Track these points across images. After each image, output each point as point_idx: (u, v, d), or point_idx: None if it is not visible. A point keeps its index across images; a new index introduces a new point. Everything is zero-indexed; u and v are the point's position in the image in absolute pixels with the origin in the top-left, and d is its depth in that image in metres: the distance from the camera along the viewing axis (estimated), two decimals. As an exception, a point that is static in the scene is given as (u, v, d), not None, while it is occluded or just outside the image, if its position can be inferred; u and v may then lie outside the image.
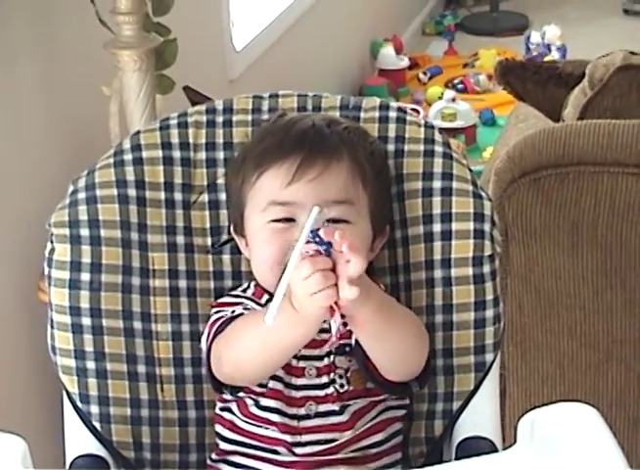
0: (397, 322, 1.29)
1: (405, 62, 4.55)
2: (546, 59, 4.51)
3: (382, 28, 4.67)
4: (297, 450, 1.35)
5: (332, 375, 1.36)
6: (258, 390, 1.36)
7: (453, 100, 4.07)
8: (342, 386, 1.35)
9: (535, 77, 2.20)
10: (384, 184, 1.42)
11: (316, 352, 1.36)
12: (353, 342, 1.33)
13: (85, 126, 2.32)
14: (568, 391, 1.89)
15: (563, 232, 1.76)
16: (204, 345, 1.39)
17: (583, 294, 1.81)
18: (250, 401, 1.37)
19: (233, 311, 1.37)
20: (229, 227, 1.47)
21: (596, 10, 5.51)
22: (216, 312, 1.39)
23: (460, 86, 4.48)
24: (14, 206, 2.13)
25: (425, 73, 4.64)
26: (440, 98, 4.18)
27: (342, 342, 1.33)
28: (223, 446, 1.40)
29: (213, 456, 1.42)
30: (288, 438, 1.35)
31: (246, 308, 1.38)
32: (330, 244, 1.19)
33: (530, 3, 5.59)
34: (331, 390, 1.35)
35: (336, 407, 1.35)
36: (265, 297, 1.40)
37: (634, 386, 1.88)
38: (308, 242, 1.19)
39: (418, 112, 3.85)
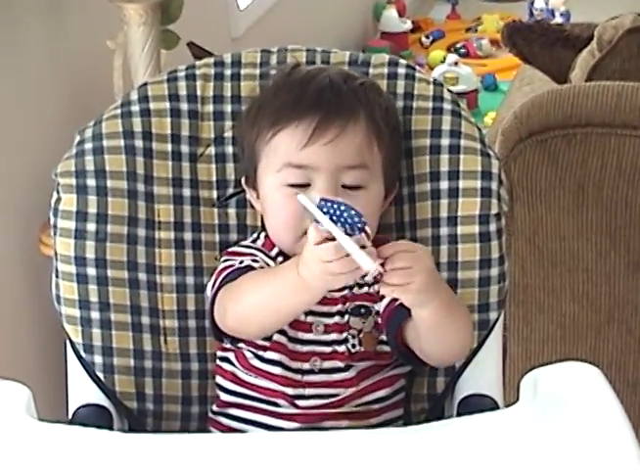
0: (455, 320, 1.29)
1: (408, 25, 4.53)
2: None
3: (385, -10, 4.65)
4: (300, 403, 1.35)
5: (344, 334, 1.36)
6: (261, 343, 1.36)
7: (456, 64, 4.05)
8: (353, 346, 1.36)
9: (542, 39, 2.19)
10: (397, 141, 1.42)
11: (325, 308, 1.36)
12: (370, 304, 1.35)
13: (89, 79, 2.31)
14: (568, 352, 1.89)
15: (568, 193, 1.76)
16: (209, 291, 1.38)
17: (587, 255, 1.81)
18: (249, 354, 1.37)
19: (241, 262, 1.36)
20: (236, 180, 1.47)
21: (601, -25, 5.47)
22: (225, 261, 1.39)
23: (462, 51, 4.46)
24: (15, 158, 2.12)
25: (427, 37, 4.62)
26: (443, 62, 4.17)
27: (357, 303, 1.34)
28: (224, 397, 1.41)
29: (214, 408, 1.42)
30: (289, 390, 1.35)
31: (255, 260, 1.37)
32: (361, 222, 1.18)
33: (535, -32, 5.54)
34: (343, 348, 1.36)
35: (341, 365, 1.36)
36: (275, 249, 1.40)
37: (634, 348, 1.89)
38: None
39: (420, 74, 3.83)
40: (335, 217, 1.17)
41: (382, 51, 4.27)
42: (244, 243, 1.43)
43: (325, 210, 1.18)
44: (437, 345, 1.32)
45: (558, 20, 4.53)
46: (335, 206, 1.18)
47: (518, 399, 1.38)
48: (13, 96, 2.10)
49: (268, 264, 1.37)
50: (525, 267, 1.84)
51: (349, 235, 1.16)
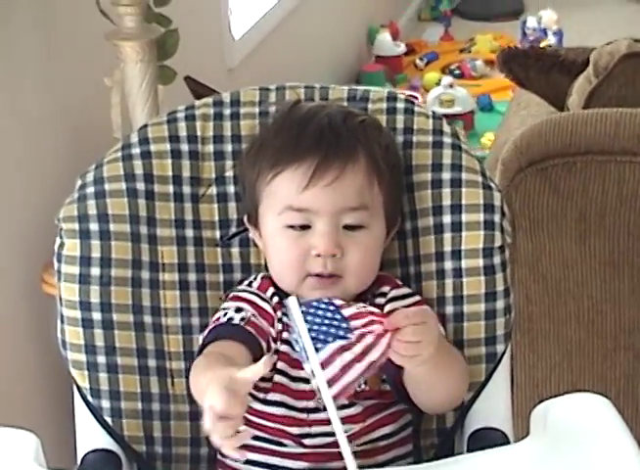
0: (448, 373, 1.31)
1: (402, 48, 4.54)
2: (542, 43, 4.49)
3: (378, 14, 4.67)
4: (307, 442, 1.35)
5: None
6: (262, 385, 1.36)
7: (451, 86, 4.06)
8: (359, 385, 1.35)
9: (538, 65, 2.20)
10: (397, 178, 1.42)
11: None
12: None
13: (87, 117, 2.31)
14: (575, 379, 1.89)
15: (570, 221, 1.76)
16: (200, 340, 1.39)
17: (591, 282, 1.81)
18: (249, 398, 1.36)
19: (225, 314, 1.36)
20: (238, 220, 1.47)
21: (592, -6, 5.50)
22: (221, 309, 1.39)
23: (457, 72, 4.47)
24: (16, 197, 2.12)
25: (421, 59, 4.63)
26: (438, 84, 4.17)
27: None
28: (231, 438, 1.40)
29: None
30: (294, 430, 1.35)
31: (239, 309, 1.36)
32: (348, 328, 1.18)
33: (525, -14, 5.56)
34: None
35: (346, 402, 1.35)
36: (271, 289, 1.40)
37: (643, 374, 1.89)
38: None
39: (416, 98, 3.84)
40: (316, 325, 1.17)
41: (377, 75, 4.30)
42: (240, 287, 1.43)
43: (309, 317, 1.18)
44: (429, 396, 1.34)
45: (551, 39, 4.54)
46: (319, 312, 1.18)
47: (528, 431, 1.38)
48: (10, 135, 2.10)
49: (256, 308, 1.37)
50: (529, 296, 1.84)
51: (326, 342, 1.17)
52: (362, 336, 1.18)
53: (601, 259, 1.79)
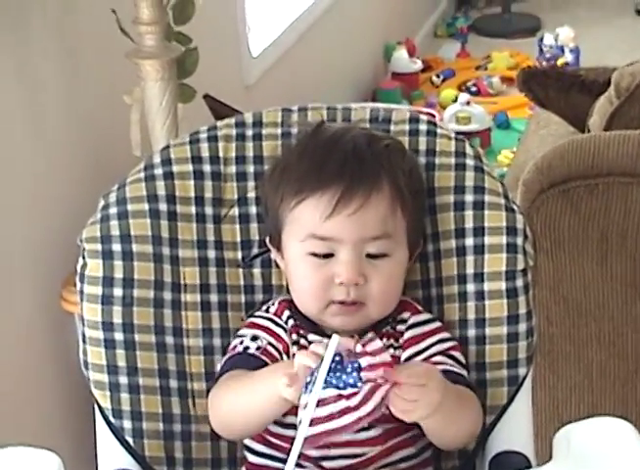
0: (458, 420, 1.31)
1: (418, 65, 4.54)
2: (559, 61, 4.49)
3: (394, 31, 4.67)
4: (326, 464, 1.35)
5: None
6: None
7: (468, 103, 4.06)
8: None
9: (558, 85, 2.20)
10: (420, 204, 1.42)
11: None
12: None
13: (106, 136, 2.32)
14: (596, 401, 1.88)
15: (592, 243, 1.76)
16: (218, 367, 1.41)
17: (612, 304, 1.81)
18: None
19: (242, 342, 1.38)
20: (260, 241, 1.47)
21: (608, 11, 5.50)
22: (237, 337, 1.41)
23: (473, 89, 4.47)
24: (36, 215, 2.13)
25: (438, 76, 4.63)
26: (454, 101, 4.17)
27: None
28: (251, 458, 1.40)
29: (243, 470, 1.42)
30: (313, 452, 1.34)
31: (255, 338, 1.39)
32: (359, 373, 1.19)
33: (542, 4, 5.57)
34: None
35: (365, 424, 1.35)
36: (286, 313, 1.41)
37: (663, 397, 1.88)
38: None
39: (433, 115, 3.84)
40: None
41: (393, 92, 4.30)
42: (257, 313, 1.44)
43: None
44: (439, 439, 1.34)
45: (567, 56, 4.54)
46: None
47: (548, 452, 1.38)
48: (30, 152, 2.11)
49: (271, 335, 1.39)
50: (550, 317, 1.84)
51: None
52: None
53: (622, 281, 1.78)
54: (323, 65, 3.84)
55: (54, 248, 2.18)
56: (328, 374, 1.17)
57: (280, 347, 1.38)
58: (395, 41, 4.60)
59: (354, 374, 1.17)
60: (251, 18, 3.28)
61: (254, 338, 1.38)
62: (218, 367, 1.41)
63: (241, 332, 1.41)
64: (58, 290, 2.12)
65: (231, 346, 1.40)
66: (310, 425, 1.17)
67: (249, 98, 3.13)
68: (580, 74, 2.21)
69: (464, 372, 1.37)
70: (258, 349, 1.36)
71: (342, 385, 1.17)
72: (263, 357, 1.35)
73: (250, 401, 1.30)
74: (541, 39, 4.73)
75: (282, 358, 1.37)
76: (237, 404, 1.32)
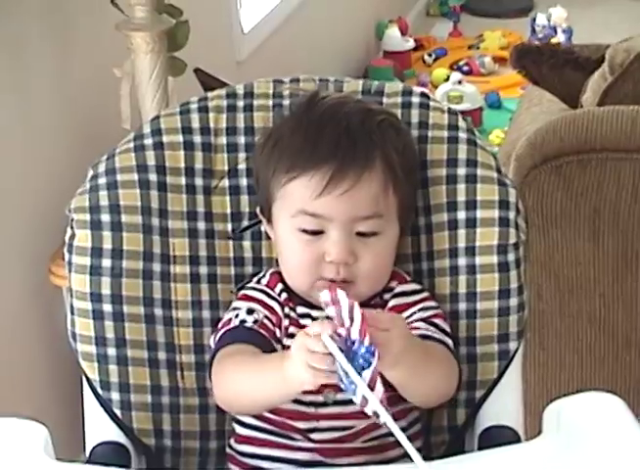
0: (426, 373, 1.28)
1: (411, 43, 4.52)
2: (552, 41, 4.48)
3: (387, 10, 4.65)
4: (314, 436, 1.34)
5: None
6: None
7: (460, 82, 4.04)
8: None
9: (552, 61, 2.18)
10: (413, 181, 1.40)
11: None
12: None
13: (96, 109, 2.31)
14: (585, 378, 1.88)
15: (583, 219, 1.75)
16: (212, 343, 1.39)
17: (603, 280, 1.80)
18: None
19: (237, 315, 1.36)
20: (251, 213, 1.46)
21: (601, -9, 5.48)
22: (231, 310, 1.39)
23: (465, 68, 4.45)
24: (22, 189, 2.11)
25: (430, 55, 4.62)
26: (446, 80, 4.16)
27: None
28: (240, 430, 1.39)
29: (232, 444, 1.41)
30: (301, 424, 1.34)
31: (250, 310, 1.37)
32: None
33: (535, -16, 5.55)
34: None
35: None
36: (279, 286, 1.40)
37: (653, 373, 1.88)
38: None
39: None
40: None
41: (385, 70, 4.28)
42: (250, 285, 1.42)
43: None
44: (414, 397, 1.32)
45: (560, 36, 4.53)
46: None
47: (537, 428, 1.37)
48: (18, 125, 2.09)
49: (266, 308, 1.37)
50: (540, 293, 1.83)
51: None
52: None
53: (613, 257, 1.77)
54: (314, 41, 3.82)
55: (42, 222, 2.16)
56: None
57: (274, 319, 1.37)
58: (387, 19, 4.58)
59: (367, 353, 1.14)
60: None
61: (250, 311, 1.36)
62: (211, 341, 1.39)
63: (235, 304, 1.39)
64: (46, 264, 2.11)
65: (225, 318, 1.38)
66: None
67: (239, 74, 3.11)
68: (574, 52, 2.20)
69: (446, 339, 1.36)
70: (255, 322, 1.35)
71: (360, 361, 1.14)
72: (261, 331, 1.34)
73: (258, 386, 1.28)
74: (534, 19, 4.72)
75: (277, 332, 1.36)
76: (244, 386, 1.30)
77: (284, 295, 1.39)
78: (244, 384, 1.30)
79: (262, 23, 3.36)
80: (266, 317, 1.36)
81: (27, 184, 2.12)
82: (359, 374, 1.13)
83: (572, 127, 1.69)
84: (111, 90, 2.18)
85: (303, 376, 1.18)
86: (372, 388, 1.14)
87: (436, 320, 1.37)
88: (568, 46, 2.27)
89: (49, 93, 2.18)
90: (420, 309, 1.37)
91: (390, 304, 1.38)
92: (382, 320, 1.19)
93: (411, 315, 1.37)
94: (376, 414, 1.15)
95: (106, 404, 1.39)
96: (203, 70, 2.43)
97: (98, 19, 2.24)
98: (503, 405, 1.40)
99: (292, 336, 1.35)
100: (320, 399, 1.34)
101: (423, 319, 1.36)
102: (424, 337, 1.32)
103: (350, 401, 1.31)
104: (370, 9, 4.53)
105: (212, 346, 1.38)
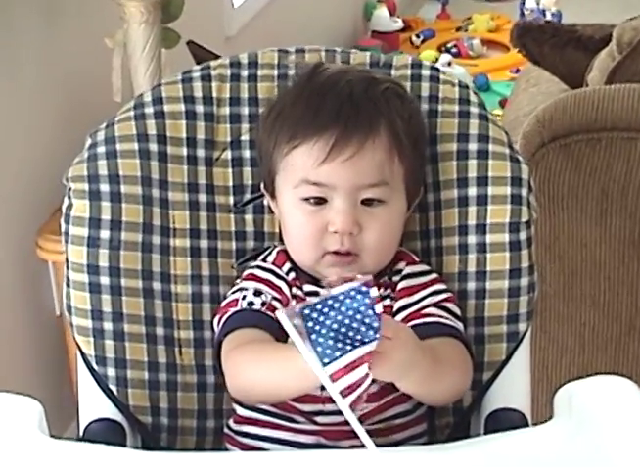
0: (438, 380, 1.23)
1: (399, 24, 4.49)
2: (541, 25, 4.45)
3: (375, -11, 4.61)
4: (319, 419, 1.30)
5: None
6: None
7: (449, 64, 4.01)
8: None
9: (553, 40, 2.15)
10: (420, 151, 1.36)
11: None
12: None
13: (86, 79, 2.26)
14: (587, 363, 1.85)
15: (591, 199, 1.71)
16: (215, 327, 1.34)
17: (609, 263, 1.77)
18: None
19: (244, 297, 1.32)
20: (253, 185, 1.42)
21: (589, -24, 5.46)
22: (237, 290, 1.34)
23: (454, 50, 4.42)
24: (10, 160, 2.07)
25: (418, 36, 4.58)
26: (434, 62, 4.12)
27: None
28: (240, 411, 1.35)
29: (231, 424, 1.37)
30: (305, 407, 1.30)
31: (258, 292, 1.32)
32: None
33: (523, -32, 5.51)
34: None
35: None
36: (287, 265, 1.36)
37: (655, 359, 1.85)
38: None
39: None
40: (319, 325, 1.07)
41: (373, 50, 4.21)
42: (255, 264, 1.38)
43: (343, 307, 1.07)
44: (423, 399, 1.29)
45: (549, 19, 4.50)
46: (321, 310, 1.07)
47: (537, 412, 1.34)
48: (7, 97, 2.04)
49: (274, 288, 1.33)
50: (543, 275, 1.79)
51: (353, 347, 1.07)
52: None
53: (621, 239, 1.74)
54: (303, 19, 3.78)
55: (30, 196, 2.12)
56: (343, 334, 1.07)
57: (282, 300, 1.32)
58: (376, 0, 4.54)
59: (374, 324, 1.07)
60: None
61: (258, 292, 1.32)
62: (215, 321, 1.35)
63: (242, 284, 1.35)
64: (33, 238, 2.07)
65: (230, 298, 1.34)
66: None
67: (229, 49, 3.06)
68: (577, 30, 2.17)
69: (458, 324, 1.32)
70: (264, 304, 1.31)
71: (358, 341, 1.07)
72: (270, 314, 1.29)
73: (278, 379, 1.22)
74: (523, 2, 4.69)
75: None
76: (262, 378, 1.24)
77: (291, 274, 1.35)
78: (262, 376, 1.24)
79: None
80: (274, 298, 1.32)
81: (14, 159, 2.07)
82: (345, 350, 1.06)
83: (583, 105, 1.65)
84: (101, 61, 2.13)
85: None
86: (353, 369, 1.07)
87: (448, 304, 1.33)
88: (570, 25, 2.23)
89: (38, 64, 2.13)
90: (431, 293, 1.33)
91: (400, 286, 1.34)
92: (387, 328, 1.12)
93: (422, 299, 1.33)
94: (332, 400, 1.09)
95: (101, 381, 1.35)
96: (195, 43, 2.38)
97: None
98: (511, 388, 1.37)
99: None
100: None
101: (434, 304, 1.32)
102: (438, 325, 1.29)
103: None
104: (358, -12, 4.50)
105: (217, 326, 1.34)
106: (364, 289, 1.08)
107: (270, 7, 3.44)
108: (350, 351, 1.07)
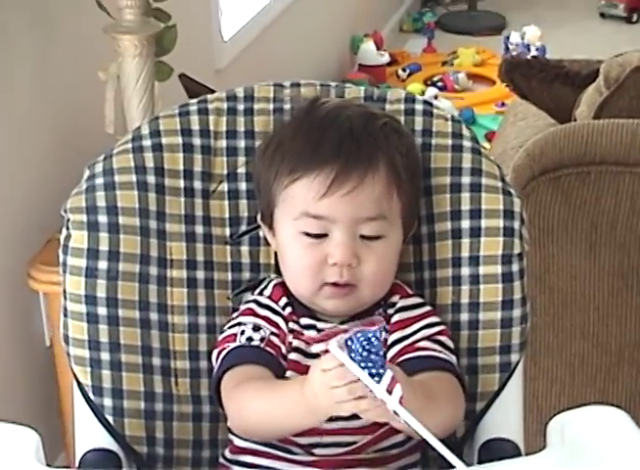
0: (431, 416, 1.21)
1: (386, 58, 4.52)
2: (526, 59, 4.49)
3: (361, 24, 4.65)
4: (318, 451, 1.31)
5: None
6: None
7: (435, 97, 4.04)
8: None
9: (541, 75, 2.17)
10: (416, 184, 1.38)
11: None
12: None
13: (79, 112, 2.27)
14: (577, 393, 1.87)
15: (581, 232, 1.74)
16: (213, 361, 1.35)
17: (598, 295, 1.79)
18: None
19: (243, 332, 1.33)
20: (249, 217, 1.43)
21: (572, 12, 5.52)
22: (235, 325, 1.35)
23: (440, 84, 4.46)
24: (1, 189, 2.07)
25: (404, 70, 4.62)
26: (421, 95, 4.15)
27: None
28: (237, 442, 1.36)
29: (227, 454, 1.37)
30: (302, 440, 1.31)
31: (257, 327, 1.33)
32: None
33: (508, 3, 5.58)
34: None
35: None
36: (284, 300, 1.37)
37: (645, 390, 1.87)
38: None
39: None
40: (360, 357, 1.11)
41: (360, 84, 4.26)
42: (252, 297, 1.39)
43: (352, 349, 1.11)
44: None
45: (534, 54, 4.54)
46: (359, 344, 1.11)
47: (529, 444, 1.36)
48: (2, 128, 2.05)
49: (271, 324, 1.34)
50: (534, 307, 1.80)
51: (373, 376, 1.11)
52: None
53: (610, 271, 1.76)
54: (291, 52, 3.81)
55: (21, 226, 2.13)
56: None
57: (280, 335, 1.34)
58: (363, 33, 4.58)
59: (380, 362, 1.11)
60: (224, 1, 3.24)
61: (257, 328, 1.33)
62: (214, 356, 1.35)
63: (240, 319, 1.36)
64: (24, 268, 2.07)
65: (228, 333, 1.35)
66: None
67: (219, 82, 3.08)
68: (564, 66, 2.20)
69: (452, 358, 1.34)
70: (262, 340, 1.32)
71: (374, 371, 1.11)
72: (268, 349, 1.31)
73: (282, 417, 1.24)
74: (508, 37, 4.74)
75: (282, 348, 1.33)
76: (265, 416, 1.26)
77: (288, 309, 1.36)
78: (265, 414, 1.26)
79: (242, 32, 3.34)
80: (272, 334, 1.33)
81: (6, 189, 2.08)
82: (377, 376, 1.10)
83: (572, 139, 1.68)
84: (94, 94, 2.15)
85: (330, 410, 1.16)
86: (390, 391, 1.10)
87: (441, 337, 1.35)
88: (557, 61, 2.26)
89: (32, 95, 2.14)
90: (424, 326, 1.35)
91: (394, 319, 1.36)
92: None
93: (415, 332, 1.34)
94: (395, 413, 1.11)
95: (97, 410, 1.36)
96: (187, 76, 2.40)
97: (83, 21, 2.21)
98: (504, 418, 1.38)
99: (296, 349, 1.33)
100: None
101: (428, 337, 1.34)
102: (431, 358, 1.30)
103: (355, 416, 1.29)
104: (345, 23, 4.53)
105: (216, 362, 1.34)
106: (375, 334, 1.12)
107: (260, 40, 3.47)
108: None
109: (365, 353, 1.10)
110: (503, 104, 4.15)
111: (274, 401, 1.25)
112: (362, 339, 1.10)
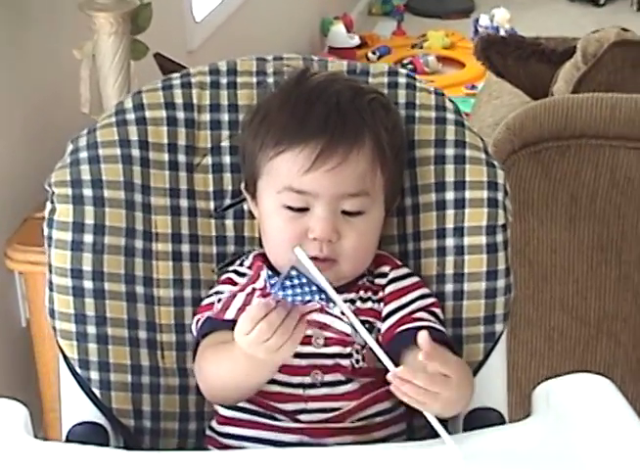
0: (464, 396, 1.26)
1: (356, 40, 4.52)
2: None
3: (331, 6, 4.65)
4: (302, 418, 1.32)
5: (349, 349, 1.33)
6: None
7: (406, 79, 4.04)
8: (357, 361, 1.33)
9: (517, 53, 2.19)
10: (401, 160, 1.39)
11: (328, 320, 1.33)
12: (373, 320, 1.35)
13: (54, 89, 2.26)
14: (556, 365, 1.89)
15: (561, 205, 1.75)
16: (193, 329, 1.37)
17: (578, 267, 1.81)
18: None
19: (219, 300, 1.35)
20: (233, 191, 1.44)
21: (541, -5, 5.56)
22: (213, 294, 1.37)
23: (410, 67, 4.47)
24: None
25: (374, 53, 4.62)
26: (391, 78, 4.16)
27: (361, 318, 1.29)
28: (223, 411, 1.36)
29: (213, 425, 1.38)
30: (288, 406, 1.32)
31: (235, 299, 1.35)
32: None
33: (476, -14, 5.60)
34: (347, 363, 1.32)
35: (343, 378, 1.33)
36: (264, 272, 1.37)
37: (622, 361, 1.89)
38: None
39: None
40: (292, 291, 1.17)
41: (331, 66, 4.27)
42: (232, 268, 1.40)
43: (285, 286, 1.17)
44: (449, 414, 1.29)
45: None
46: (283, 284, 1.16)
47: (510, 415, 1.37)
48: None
49: (248, 295, 1.35)
50: (514, 280, 1.83)
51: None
52: None
53: (589, 244, 1.78)
54: (261, 34, 3.81)
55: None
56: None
57: None
58: (332, 16, 4.58)
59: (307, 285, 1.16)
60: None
61: (233, 296, 1.34)
62: (193, 325, 1.37)
63: (218, 288, 1.37)
64: (1, 248, 2.06)
65: (206, 302, 1.36)
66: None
67: (191, 63, 3.05)
68: (540, 43, 2.21)
69: (444, 329, 1.35)
70: (239, 310, 1.32)
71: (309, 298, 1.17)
72: None
73: (234, 372, 1.25)
74: (477, 20, 4.76)
75: None
76: (222, 376, 1.28)
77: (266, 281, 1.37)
78: (222, 376, 1.27)
79: (214, 13, 3.33)
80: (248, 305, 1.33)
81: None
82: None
83: (552, 113, 1.69)
84: (69, 72, 2.14)
85: (273, 362, 1.20)
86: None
87: (435, 309, 1.36)
88: (533, 38, 2.27)
89: (2, 73, 2.12)
90: (419, 297, 1.36)
91: (388, 289, 1.37)
92: (446, 366, 1.18)
93: (411, 302, 1.35)
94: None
95: (84, 384, 1.36)
96: (162, 55, 2.39)
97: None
98: (488, 388, 1.39)
99: None
100: (308, 380, 1.32)
101: (423, 308, 1.35)
102: (429, 329, 1.27)
103: (339, 382, 1.31)
104: (315, 5, 4.53)
105: (195, 331, 1.36)
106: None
107: (231, 22, 3.46)
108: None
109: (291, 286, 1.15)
110: (473, 86, 4.17)
111: (225, 363, 1.26)
112: (283, 279, 1.15)
